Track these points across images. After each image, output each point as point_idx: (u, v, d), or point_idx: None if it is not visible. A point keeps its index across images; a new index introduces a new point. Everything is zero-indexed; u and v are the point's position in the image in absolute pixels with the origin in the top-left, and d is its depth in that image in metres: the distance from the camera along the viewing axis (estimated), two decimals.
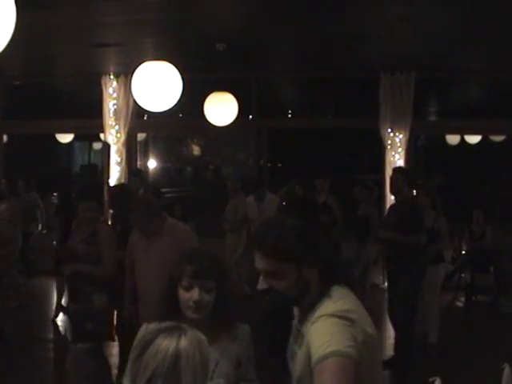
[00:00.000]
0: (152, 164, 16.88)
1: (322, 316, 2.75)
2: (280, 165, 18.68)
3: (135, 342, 2.51)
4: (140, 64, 7.57)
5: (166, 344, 2.27)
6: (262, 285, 2.90)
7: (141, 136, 14.20)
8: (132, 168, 12.39)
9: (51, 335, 9.55)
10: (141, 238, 6.15)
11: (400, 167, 10.29)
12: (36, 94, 14.71)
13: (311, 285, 2.87)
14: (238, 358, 3.32)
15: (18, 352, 8.25)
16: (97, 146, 19.01)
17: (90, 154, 20.59)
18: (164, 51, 8.13)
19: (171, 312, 3.13)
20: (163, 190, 15.24)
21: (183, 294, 3.21)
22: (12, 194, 11.35)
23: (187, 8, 7.91)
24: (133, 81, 7.56)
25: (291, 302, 3.01)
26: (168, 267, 3.36)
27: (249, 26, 8.86)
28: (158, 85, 7.29)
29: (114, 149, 12.57)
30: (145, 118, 13.25)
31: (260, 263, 2.86)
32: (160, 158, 18.01)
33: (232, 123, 10.43)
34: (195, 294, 3.18)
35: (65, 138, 17.06)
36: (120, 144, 12.53)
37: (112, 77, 12.49)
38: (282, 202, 9.38)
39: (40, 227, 12.72)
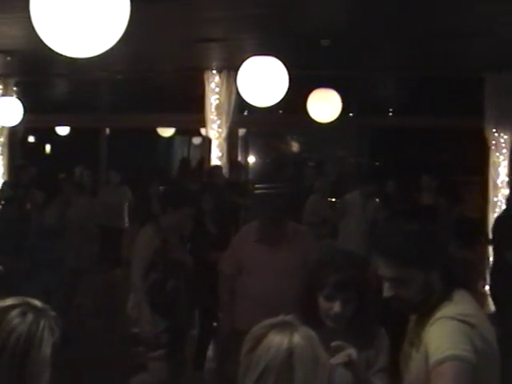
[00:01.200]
0: (251, 159, 16.90)
1: (441, 318, 2.70)
2: (377, 163, 18.47)
3: (247, 337, 2.44)
4: (242, 59, 7.53)
5: (279, 339, 2.28)
6: (387, 292, 2.78)
7: (241, 131, 14.20)
8: (232, 160, 12.37)
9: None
10: (259, 243, 5.76)
11: None
12: (138, 88, 14.90)
13: (434, 289, 2.80)
14: (368, 361, 3.23)
15: None
16: (196, 140, 19.18)
17: (189, 149, 20.78)
18: (266, 47, 8.07)
19: (309, 320, 3.01)
20: (262, 185, 15.25)
21: (324, 303, 3.15)
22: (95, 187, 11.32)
23: (290, 3, 7.82)
24: (239, 75, 7.53)
25: (414, 309, 2.91)
26: (296, 275, 3.30)
27: (353, 21, 8.69)
28: (264, 80, 7.26)
29: (215, 143, 12.58)
30: (245, 113, 13.23)
31: (386, 271, 2.78)
32: (259, 153, 18.03)
33: (333, 120, 10.29)
34: (337, 306, 3.12)
35: (166, 133, 17.27)
36: (221, 139, 12.52)
37: (214, 72, 12.49)
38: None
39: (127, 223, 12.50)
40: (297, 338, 2.29)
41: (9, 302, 2.20)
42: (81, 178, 11.54)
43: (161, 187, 10.21)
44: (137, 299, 6.04)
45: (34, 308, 2.18)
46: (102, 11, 3.12)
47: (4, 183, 11.96)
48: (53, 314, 2.21)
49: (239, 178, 11.48)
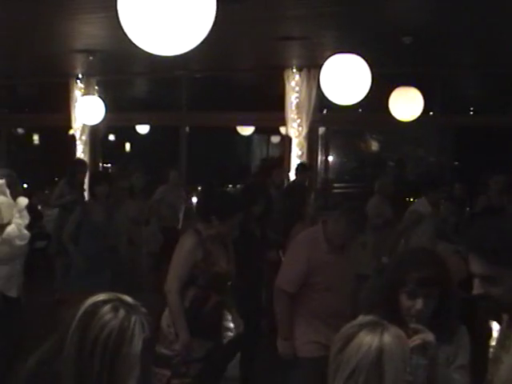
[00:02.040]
0: (331, 158, 16.80)
1: None
2: (457, 163, 18.17)
3: (336, 337, 2.44)
4: (323, 57, 7.47)
5: (370, 338, 2.30)
6: (477, 290, 2.73)
7: (320, 130, 14.13)
8: (302, 162, 12.17)
9: None
10: (326, 250, 5.29)
11: None
12: (218, 86, 14.97)
13: None
14: (447, 359, 3.16)
15: None
16: (274, 139, 19.19)
17: (268, 148, 20.80)
18: (347, 44, 8.00)
19: (391, 318, 3.00)
20: (341, 184, 15.15)
21: (406, 301, 3.10)
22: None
23: (370, 0, 7.74)
24: (322, 72, 7.46)
25: (505, 309, 2.82)
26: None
27: (435, 18, 8.54)
28: (347, 77, 7.18)
29: (295, 142, 12.53)
30: (324, 112, 13.16)
31: (478, 268, 2.69)
32: (338, 152, 17.94)
33: (414, 120, 10.13)
34: (419, 303, 3.07)
35: (245, 131, 17.31)
36: (301, 137, 12.47)
37: (295, 70, 12.45)
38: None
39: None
40: (387, 337, 2.31)
41: (101, 297, 2.20)
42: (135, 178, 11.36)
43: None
44: (174, 318, 5.33)
45: (125, 304, 2.18)
46: (189, 10, 3.11)
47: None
48: (144, 310, 2.21)
49: (303, 180, 11.11)
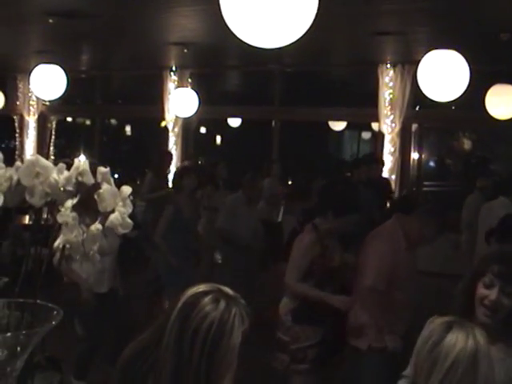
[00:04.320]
0: (423, 156, 16.58)
1: None
2: None
3: (421, 338, 2.58)
4: (418, 53, 7.39)
5: (463, 337, 2.41)
6: None
7: (413, 127, 13.97)
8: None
9: None
10: (404, 245, 5.32)
11: None
12: (311, 81, 14.93)
13: None
14: None
15: None
16: (365, 135, 19.04)
17: (359, 144, 20.66)
18: (442, 41, 7.86)
19: (464, 308, 3.08)
20: (433, 183, 14.93)
21: (481, 290, 3.07)
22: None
23: None
24: (419, 68, 7.36)
25: None
26: None
27: None
28: (445, 74, 7.08)
29: (387, 139, 12.43)
30: (416, 108, 13.00)
31: None
32: (430, 149, 17.69)
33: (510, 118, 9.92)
34: (494, 293, 3.02)
35: (337, 126, 17.23)
36: (394, 134, 12.36)
37: (389, 66, 12.33)
38: None
39: None
40: (479, 336, 2.42)
41: (201, 288, 2.21)
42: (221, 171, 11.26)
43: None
44: (291, 306, 5.55)
45: (225, 295, 2.18)
46: (292, 2, 3.11)
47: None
48: (243, 302, 2.21)
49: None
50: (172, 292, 7.21)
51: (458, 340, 2.40)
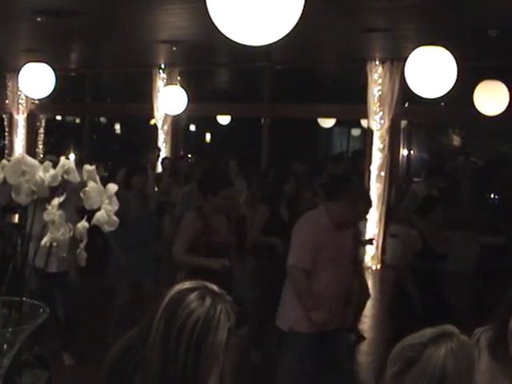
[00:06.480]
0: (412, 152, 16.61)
1: None
2: None
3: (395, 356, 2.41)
4: (406, 49, 7.38)
5: (434, 358, 2.27)
6: None
7: (402, 124, 13.99)
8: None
9: None
10: (329, 227, 5.56)
11: None
12: (300, 78, 14.93)
13: None
14: None
15: None
16: (355, 132, 19.06)
17: (348, 140, 20.69)
18: (430, 37, 7.87)
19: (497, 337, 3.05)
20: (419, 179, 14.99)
21: None
22: None
23: None
24: (407, 65, 7.37)
25: None
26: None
27: None
28: (433, 70, 7.09)
29: (376, 135, 12.45)
30: (406, 105, 13.01)
31: None
32: (419, 146, 17.72)
33: (499, 114, 9.92)
34: None
35: (326, 123, 17.24)
36: (383, 130, 12.38)
37: (378, 62, 12.34)
38: None
39: None
40: (450, 352, 2.28)
41: (187, 285, 2.20)
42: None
43: None
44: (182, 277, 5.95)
45: (211, 292, 2.17)
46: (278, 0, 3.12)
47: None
48: (229, 298, 2.21)
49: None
50: (118, 288, 8.01)
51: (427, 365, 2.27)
